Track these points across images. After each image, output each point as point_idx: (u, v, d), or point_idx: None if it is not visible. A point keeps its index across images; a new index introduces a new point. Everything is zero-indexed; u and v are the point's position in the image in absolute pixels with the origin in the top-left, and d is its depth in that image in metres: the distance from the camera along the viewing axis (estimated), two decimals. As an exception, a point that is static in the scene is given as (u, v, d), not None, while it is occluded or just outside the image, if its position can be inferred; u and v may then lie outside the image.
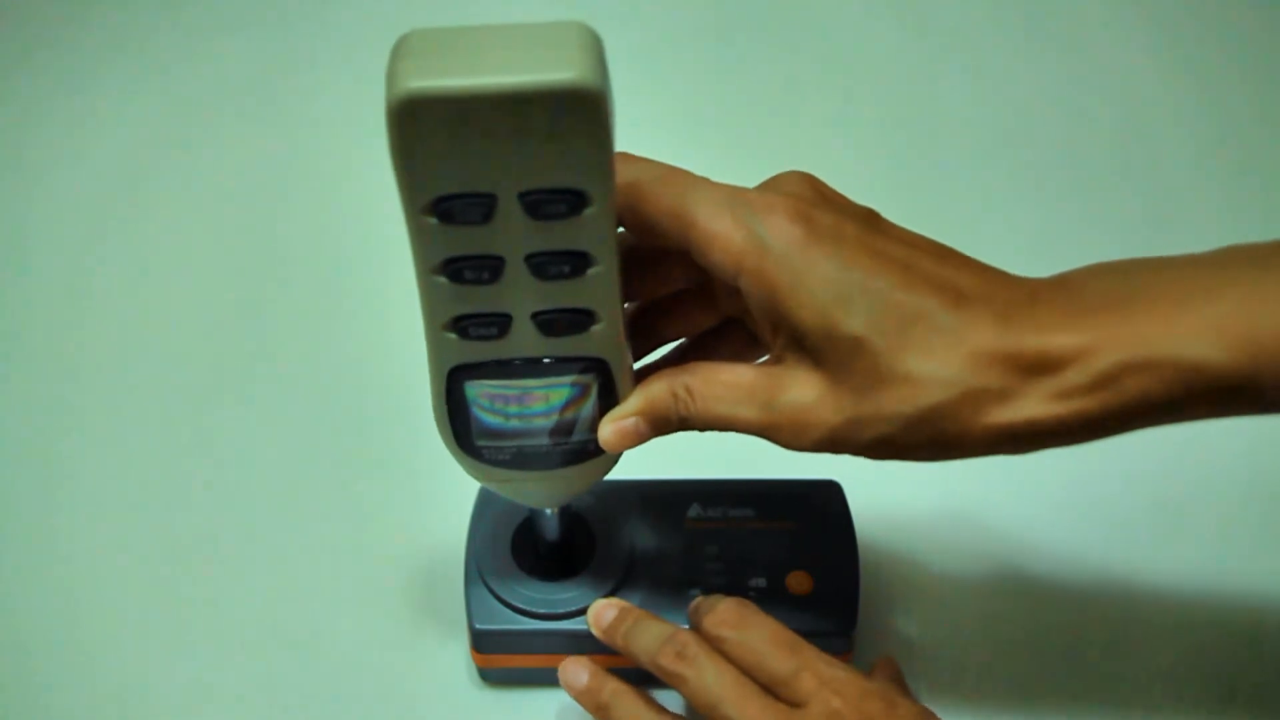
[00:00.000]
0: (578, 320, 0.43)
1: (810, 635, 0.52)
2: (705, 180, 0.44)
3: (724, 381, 0.44)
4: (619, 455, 0.48)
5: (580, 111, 0.37)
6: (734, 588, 0.53)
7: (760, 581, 0.53)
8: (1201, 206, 0.71)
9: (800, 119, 0.77)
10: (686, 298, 0.48)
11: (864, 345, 0.41)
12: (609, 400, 0.46)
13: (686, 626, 0.51)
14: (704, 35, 0.82)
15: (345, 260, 0.70)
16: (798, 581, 0.53)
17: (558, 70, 0.36)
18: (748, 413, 0.44)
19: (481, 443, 0.47)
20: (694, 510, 0.55)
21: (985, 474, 0.58)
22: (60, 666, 0.56)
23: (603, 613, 0.51)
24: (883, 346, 0.41)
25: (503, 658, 0.54)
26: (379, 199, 0.66)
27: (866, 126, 0.77)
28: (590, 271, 0.42)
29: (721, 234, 0.42)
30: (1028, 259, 0.68)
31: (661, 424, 0.45)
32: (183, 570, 0.59)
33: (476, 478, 0.49)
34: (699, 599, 0.51)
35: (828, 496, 0.55)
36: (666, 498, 0.56)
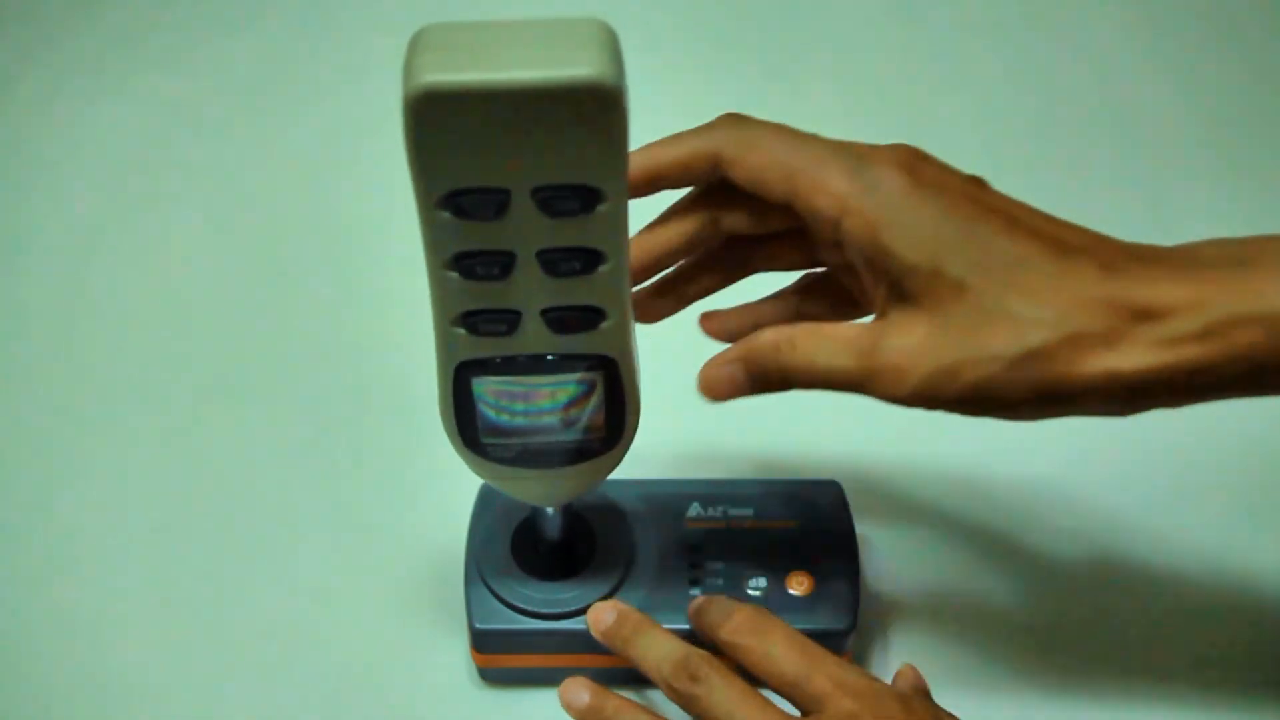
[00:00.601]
0: (587, 318, 0.43)
1: (810, 635, 0.52)
2: (812, 135, 0.45)
3: (826, 334, 0.44)
4: (622, 454, 0.48)
5: (597, 108, 0.37)
6: (734, 588, 0.53)
7: (760, 581, 0.53)
8: (1203, 206, 0.72)
9: (809, 116, 0.77)
10: (783, 237, 0.47)
11: (966, 287, 0.42)
12: (615, 399, 0.46)
13: (687, 627, 0.52)
14: (714, 32, 0.82)
15: (346, 260, 0.70)
16: (798, 581, 0.53)
17: (575, 66, 0.37)
18: (847, 362, 0.44)
19: (487, 440, 0.47)
20: (694, 510, 0.55)
21: (986, 473, 0.59)
22: (59, 666, 0.55)
23: (602, 615, 0.51)
24: (985, 288, 0.41)
25: (503, 657, 0.54)
26: (381, 198, 0.66)
27: (867, 126, 0.77)
28: (601, 269, 0.42)
29: (828, 180, 0.43)
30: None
31: (759, 374, 0.45)
32: (183, 570, 0.58)
33: (481, 475, 0.49)
34: (701, 599, 0.51)
35: (828, 496, 0.56)
36: (666, 498, 0.56)
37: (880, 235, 0.43)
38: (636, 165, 0.44)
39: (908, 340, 0.43)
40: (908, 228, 0.42)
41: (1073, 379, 0.41)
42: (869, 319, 0.45)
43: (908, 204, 0.43)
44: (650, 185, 0.45)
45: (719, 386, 0.45)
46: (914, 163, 0.44)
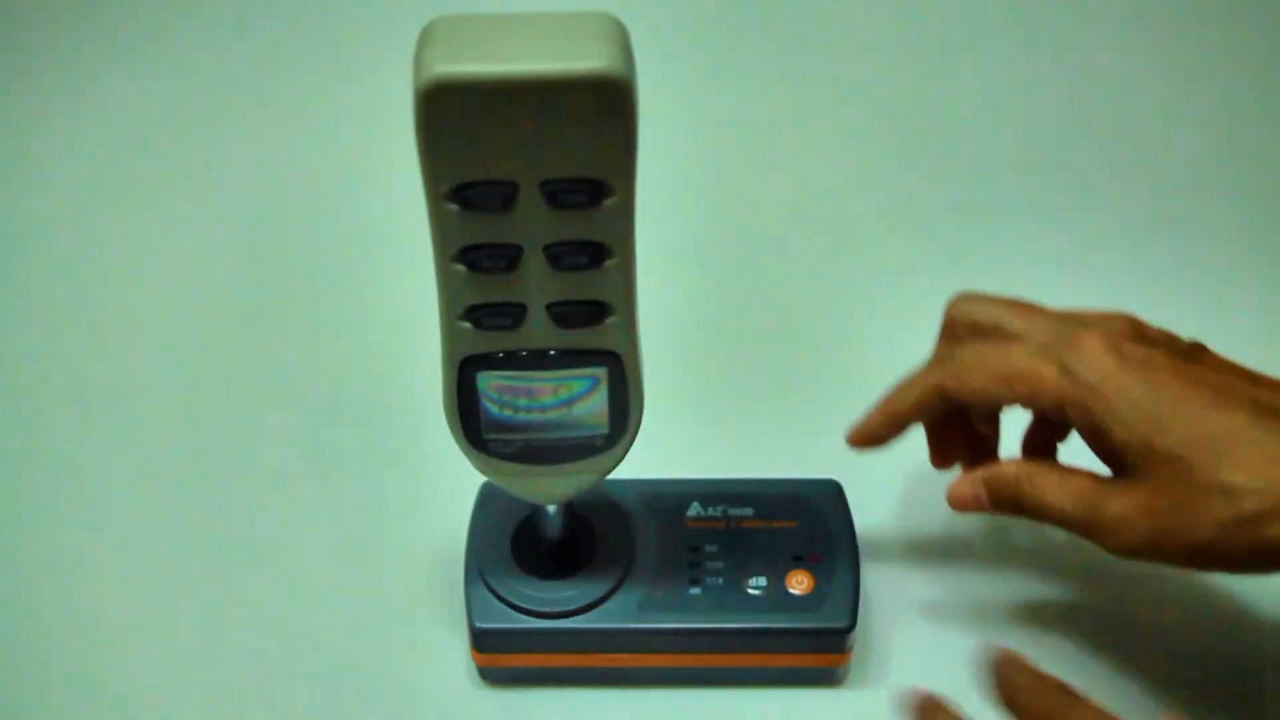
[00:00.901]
0: (592, 312, 0.43)
1: (810, 635, 0.53)
2: (1017, 330, 0.49)
3: (1060, 479, 0.48)
4: (625, 452, 0.48)
5: (606, 101, 0.37)
6: (734, 587, 0.53)
7: (760, 580, 0.53)
8: (1203, 203, 0.73)
9: (819, 113, 0.78)
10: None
11: (1179, 461, 0.45)
12: (620, 395, 0.46)
13: (689, 625, 0.52)
14: (724, 25, 0.83)
15: (347, 259, 0.70)
16: (798, 581, 0.53)
17: (585, 59, 0.37)
18: (1073, 509, 0.48)
19: (490, 436, 0.47)
20: (694, 509, 0.55)
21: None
22: (58, 666, 0.55)
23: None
24: (1198, 461, 0.45)
25: (503, 657, 0.54)
26: (385, 195, 0.66)
27: (871, 123, 0.78)
28: (607, 263, 0.42)
29: (1042, 382, 0.47)
30: (1030, 256, 0.70)
31: (998, 497, 0.50)
32: (182, 569, 0.58)
33: (483, 471, 0.49)
34: (1002, 662, 0.48)
35: (828, 496, 0.56)
36: (667, 497, 0.56)
37: (1096, 419, 0.46)
38: (881, 420, 0.52)
39: (1128, 503, 0.46)
40: (1119, 411, 0.46)
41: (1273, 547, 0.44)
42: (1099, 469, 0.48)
43: (1115, 388, 0.46)
44: (898, 429, 0.52)
45: (964, 502, 0.51)
46: (1120, 343, 0.47)
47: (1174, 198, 0.73)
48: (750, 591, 0.53)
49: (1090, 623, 0.56)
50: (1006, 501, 0.50)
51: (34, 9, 0.82)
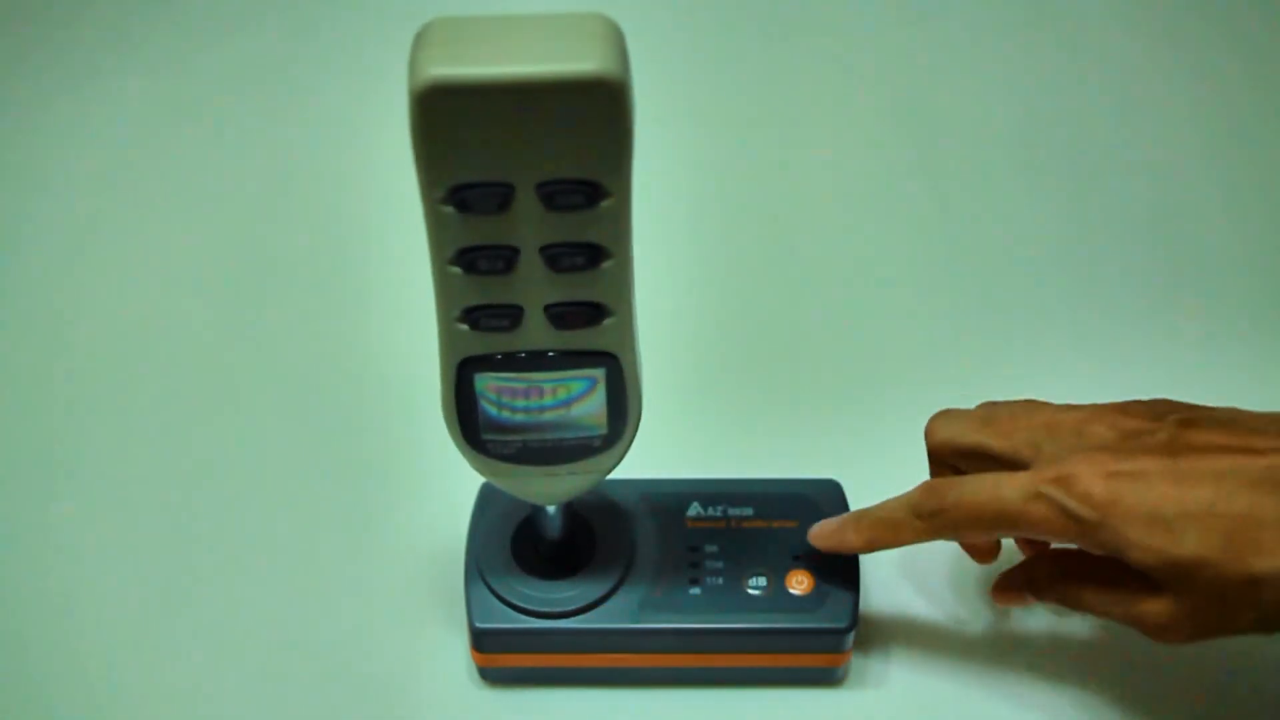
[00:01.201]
0: (590, 314, 0.43)
1: (810, 635, 0.53)
2: (1004, 475, 0.48)
3: (1098, 588, 0.49)
4: (623, 453, 0.48)
5: (602, 103, 0.37)
6: (734, 586, 0.53)
7: (760, 580, 0.53)
8: (1205, 203, 0.73)
9: (815, 114, 0.78)
10: None
11: (1203, 563, 0.45)
12: (618, 395, 0.46)
13: (689, 625, 0.52)
14: (721, 29, 0.83)
15: (345, 260, 0.70)
16: (798, 580, 0.53)
17: (581, 61, 0.37)
18: (1116, 611, 0.48)
19: (488, 436, 0.47)
20: (694, 509, 0.55)
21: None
22: (58, 667, 0.55)
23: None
24: (1221, 559, 0.44)
25: (503, 657, 0.54)
26: (382, 196, 0.66)
27: (871, 123, 0.78)
28: (604, 265, 0.42)
29: (1041, 522, 0.47)
30: (1031, 253, 0.70)
31: (1040, 600, 0.51)
32: (182, 570, 0.58)
33: (482, 472, 0.49)
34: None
35: (828, 495, 0.56)
36: (667, 497, 0.56)
37: (1108, 549, 0.46)
38: (857, 544, 0.51)
39: (1162, 612, 0.46)
40: (1129, 536, 0.45)
41: None
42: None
43: (1119, 516, 0.45)
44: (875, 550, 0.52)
45: (1010, 603, 0.53)
46: (1106, 466, 0.46)
47: (1179, 198, 0.73)
48: (750, 591, 0.53)
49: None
50: (1050, 603, 0.51)
51: (33, 8, 0.82)
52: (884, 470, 0.53)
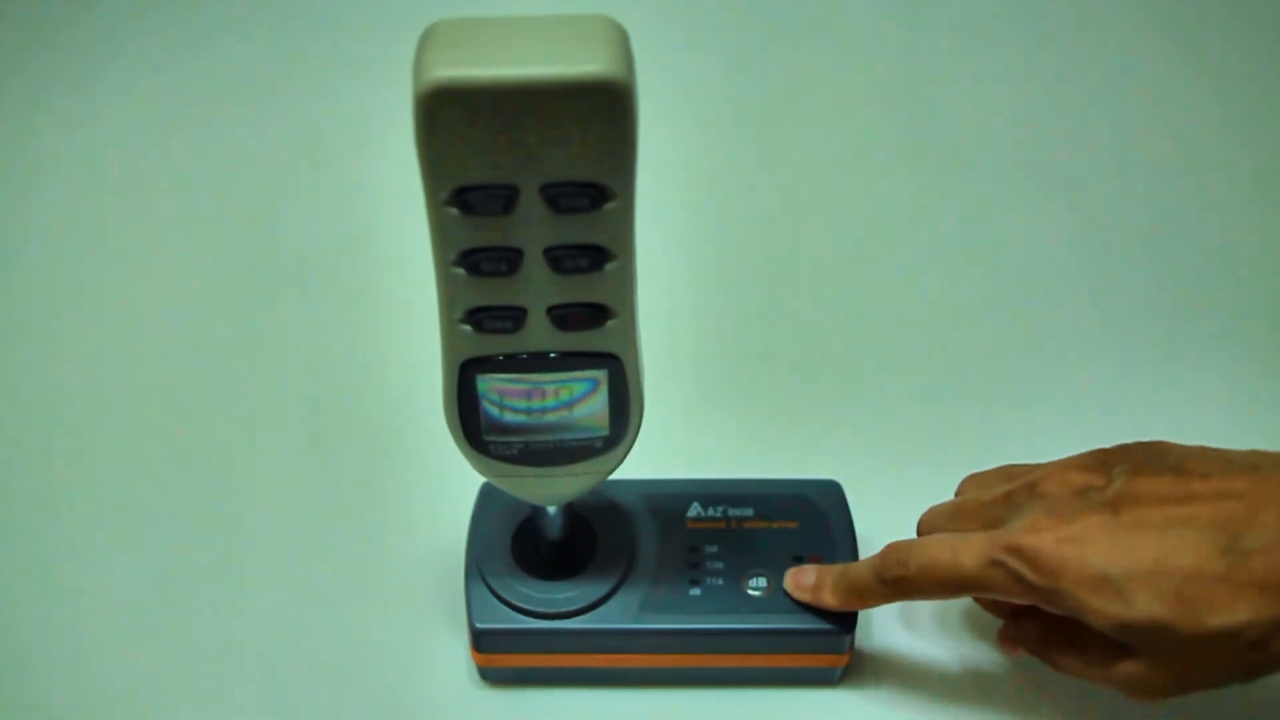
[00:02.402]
0: (593, 315, 0.43)
1: (810, 635, 0.53)
2: (957, 539, 0.48)
3: (1075, 652, 0.49)
4: (625, 454, 0.48)
5: (606, 105, 0.37)
6: (734, 587, 0.53)
7: (761, 581, 0.53)
8: (1207, 203, 0.73)
9: (817, 116, 0.78)
10: None
11: (1157, 625, 0.44)
12: (620, 396, 0.46)
13: (689, 626, 0.52)
14: (724, 31, 0.83)
15: (347, 262, 0.70)
16: (798, 581, 0.53)
17: (585, 63, 0.37)
18: (1091, 674, 0.48)
19: (490, 438, 0.47)
20: (694, 510, 0.55)
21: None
22: (58, 667, 0.55)
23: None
24: (1177, 619, 0.44)
25: (503, 657, 0.54)
26: (384, 198, 0.66)
27: (874, 125, 0.78)
28: (608, 267, 0.42)
29: (1001, 589, 0.47)
30: (1032, 254, 0.70)
31: (1035, 654, 0.51)
32: (182, 570, 0.58)
33: (483, 473, 0.49)
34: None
35: (828, 496, 0.56)
36: (667, 497, 0.56)
37: (1068, 611, 0.46)
38: (832, 601, 0.52)
39: (1132, 673, 0.46)
40: (1084, 601, 0.45)
41: None
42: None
43: (1071, 580, 0.45)
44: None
45: (1008, 650, 0.53)
46: (1054, 527, 0.46)
47: (1180, 198, 0.73)
48: (750, 592, 0.53)
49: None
50: (1039, 658, 0.51)
51: (33, 8, 0.82)
52: (884, 470, 0.53)
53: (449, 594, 0.55)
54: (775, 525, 0.55)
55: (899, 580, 0.49)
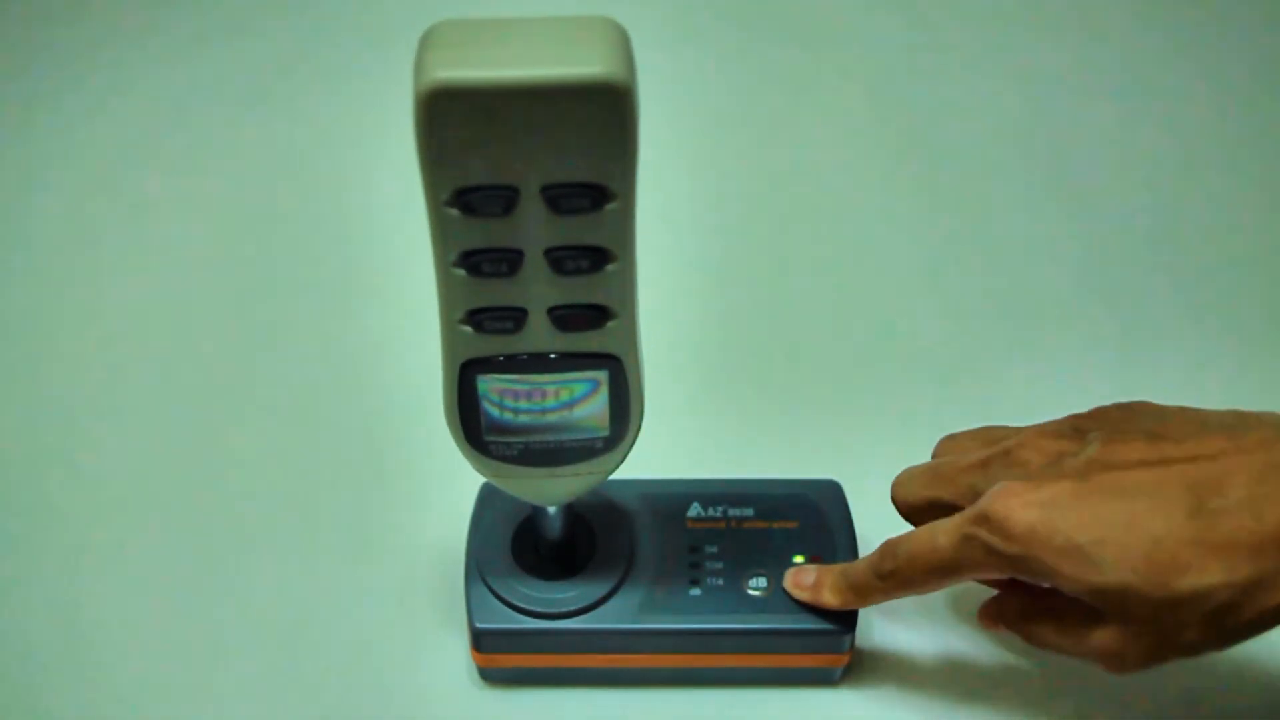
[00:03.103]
0: (593, 316, 0.43)
1: (810, 635, 0.53)
2: (936, 523, 0.48)
3: (1055, 625, 0.48)
4: (625, 454, 0.48)
5: (607, 106, 0.37)
6: (734, 587, 0.53)
7: (761, 581, 0.53)
8: (1209, 203, 0.73)
9: (816, 116, 0.78)
10: None
11: (1129, 589, 0.44)
12: (620, 397, 0.46)
13: (689, 626, 0.52)
14: (725, 32, 0.83)
15: (348, 262, 0.70)
16: (798, 581, 0.53)
17: (586, 64, 0.37)
18: (1069, 646, 0.47)
19: (490, 438, 0.47)
20: (694, 510, 0.55)
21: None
22: (58, 667, 0.55)
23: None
24: (1147, 583, 0.43)
25: (503, 657, 0.54)
26: (385, 198, 0.67)
27: (874, 126, 0.78)
28: (609, 268, 0.42)
29: (977, 565, 0.47)
30: (1032, 253, 0.70)
31: (1015, 631, 0.50)
32: (182, 570, 0.58)
33: (483, 473, 0.49)
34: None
35: (828, 496, 0.56)
36: (667, 497, 0.56)
37: (1041, 578, 0.45)
38: (832, 600, 0.52)
39: (1110, 637, 0.46)
40: (1053, 565, 0.45)
41: (1266, 615, 0.43)
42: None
43: (1041, 545, 0.45)
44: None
45: (990, 627, 0.52)
46: (1024, 495, 0.46)
47: (1180, 197, 0.73)
48: (750, 592, 0.53)
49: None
50: (1019, 636, 0.50)
51: (34, 8, 0.82)
52: (884, 470, 0.53)
53: (449, 594, 0.55)
54: (775, 525, 0.55)
55: (892, 574, 0.49)
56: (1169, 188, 0.74)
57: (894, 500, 0.53)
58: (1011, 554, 0.45)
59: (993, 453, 0.49)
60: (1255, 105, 0.78)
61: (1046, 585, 0.46)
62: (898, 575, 0.49)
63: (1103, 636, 0.46)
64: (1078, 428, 0.49)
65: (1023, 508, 0.45)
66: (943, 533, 0.48)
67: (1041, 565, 0.45)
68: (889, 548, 0.50)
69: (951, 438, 0.53)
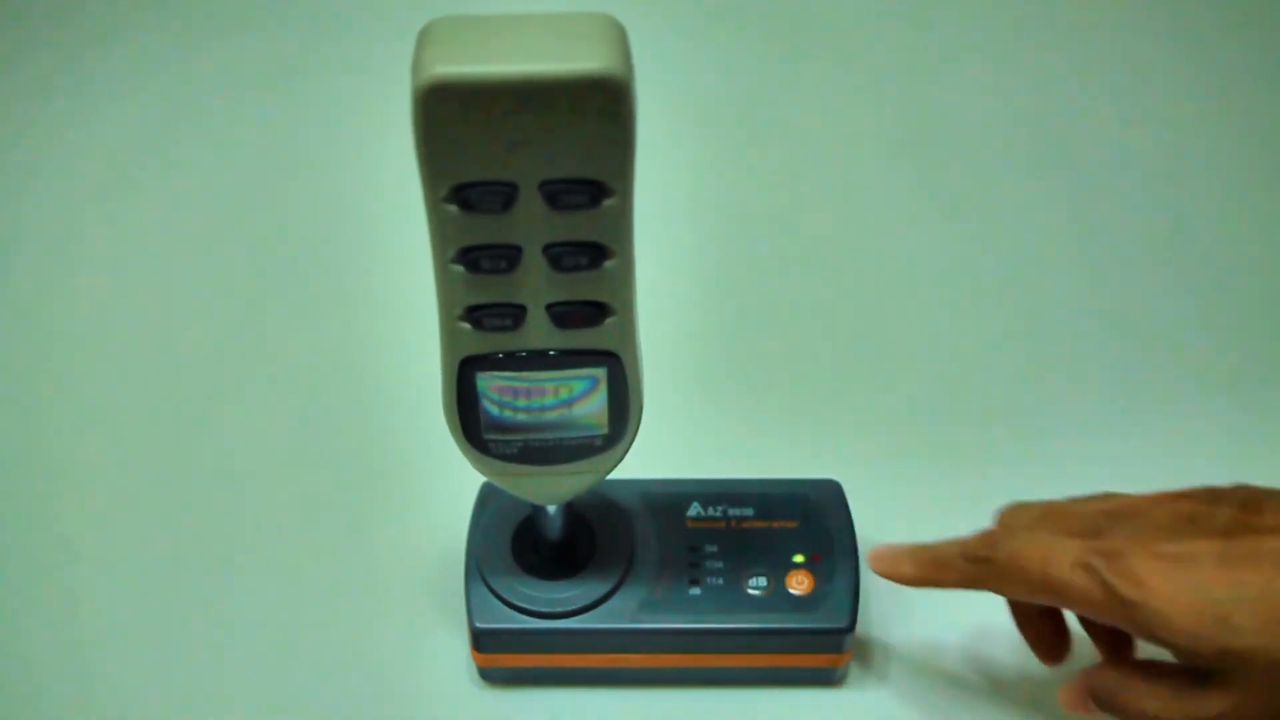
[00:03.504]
0: (592, 313, 0.43)
1: (810, 635, 0.53)
2: (1053, 537, 0.47)
3: (1149, 686, 0.47)
4: (624, 452, 0.48)
5: (605, 102, 0.37)
6: (734, 587, 0.53)
7: (760, 581, 0.53)
8: (1212, 202, 0.73)
9: (817, 113, 0.78)
10: None
11: (1256, 653, 0.43)
12: (619, 395, 0.46)
13: (689, 625, 0.52)
14: (724, 28, 0.83)
15: (346, 259, 0.70)
16: (798, 581, 0.53)
17: (584, 60, 0.37)
18: (1181, 713, 0.46)
19: (490, 436, 0.47)
20: (694, 510, 0.55)
21: (986, 471, 0.59)
22: (58, 667, 0.55)
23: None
24: (1274, 645, 0.42)
25: (503, 657, 0.54)
26: (384, 195, 0.66)
27: (874, 123, 0.78)
28: (607, 264, 0.42)
29: (1084, 595, 0.45)
30: (1033, 254, 0.70)
31: (1101, 704, 0.48)
32: (182, 570, 0.58)
33: (483, 472, 0.49)
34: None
35: (828, 496, 0.56)
36: (667, 497, 0.56)
37: (1158, 640, 0.44)
38: (912, 576, 0.50)
39: (1228, 704, 0.44)
40: (1177, 629, 0.43)
41: None
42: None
43: (1166, 601, 0.44)
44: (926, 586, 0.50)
45: (1076, 710, 0.49)
46: (1155, 547, 0.45)
47: (1179, 198, 0.73)
48: (750, 592, 0.53)
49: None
50: (1110, 709, 0.48)
51: (34, 8, 0.82)
52: (884, 470, 0.53)
53: (449, 594, 0.55)
54: (775, 525, 0.55)
55: (984, 561, 0.48)
56: (1169, 188, 0.74)
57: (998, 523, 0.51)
58: (1126, 597, 0.44)
59: (1116, 505, 0.48)
60: (1261, 105, 0.78)
61: (1143, 639, 0.45)
62: (991, 566, 0.47)
63: (1218, 704, 0.45)
64: (1213, 496, 0.48)
65: (1154, 556, 0.44)
66: (1060, 549, 0.46)
67: (1157, 619, 0.44)
68: (991, 538, 0.48)
69: (1063, 500, 0.51)
